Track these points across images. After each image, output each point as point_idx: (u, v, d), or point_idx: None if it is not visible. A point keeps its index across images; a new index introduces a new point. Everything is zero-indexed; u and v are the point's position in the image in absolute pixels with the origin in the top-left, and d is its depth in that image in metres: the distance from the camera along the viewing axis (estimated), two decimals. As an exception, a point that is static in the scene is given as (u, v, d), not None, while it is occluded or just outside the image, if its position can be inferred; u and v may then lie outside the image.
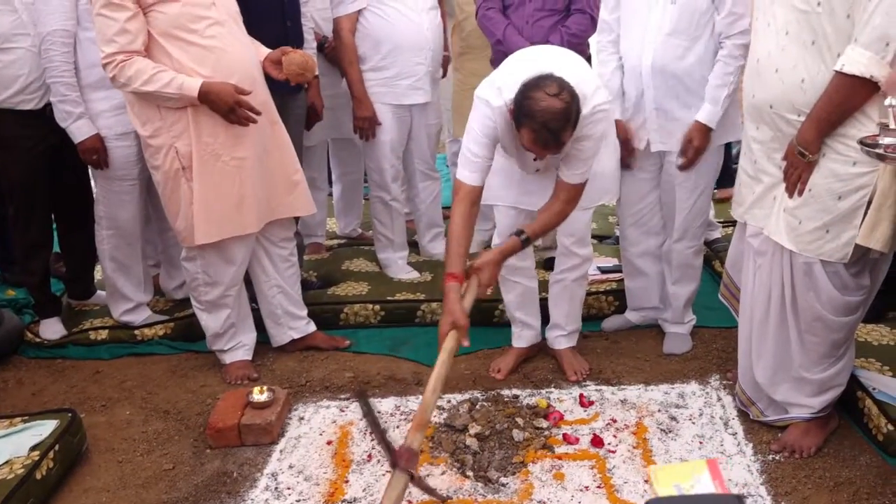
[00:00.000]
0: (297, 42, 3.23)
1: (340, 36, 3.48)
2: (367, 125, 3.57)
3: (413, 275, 3.77)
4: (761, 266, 2.40)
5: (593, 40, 3.05)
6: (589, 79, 2.51)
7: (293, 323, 3.19)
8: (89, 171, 3.37)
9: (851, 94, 2.06)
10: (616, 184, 2.93)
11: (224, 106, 2.64)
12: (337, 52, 3.55)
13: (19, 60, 3.10)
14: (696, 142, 2.78)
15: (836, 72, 2.05)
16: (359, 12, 3.45)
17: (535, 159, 2.59)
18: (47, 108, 3.19)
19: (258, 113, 2.70)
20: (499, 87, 2.48)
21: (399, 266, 3.81)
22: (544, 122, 2.29)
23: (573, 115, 2.33)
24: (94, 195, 3.40)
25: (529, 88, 2.32)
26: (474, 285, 2.56)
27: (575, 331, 3.06)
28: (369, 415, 2.40)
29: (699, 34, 2.70)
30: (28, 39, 3.09)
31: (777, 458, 2.44)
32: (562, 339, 3.04)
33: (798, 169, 2.21)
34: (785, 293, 2.35)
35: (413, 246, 4.02)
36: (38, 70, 3.11)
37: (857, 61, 2.01)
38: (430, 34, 3.53)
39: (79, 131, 3.07)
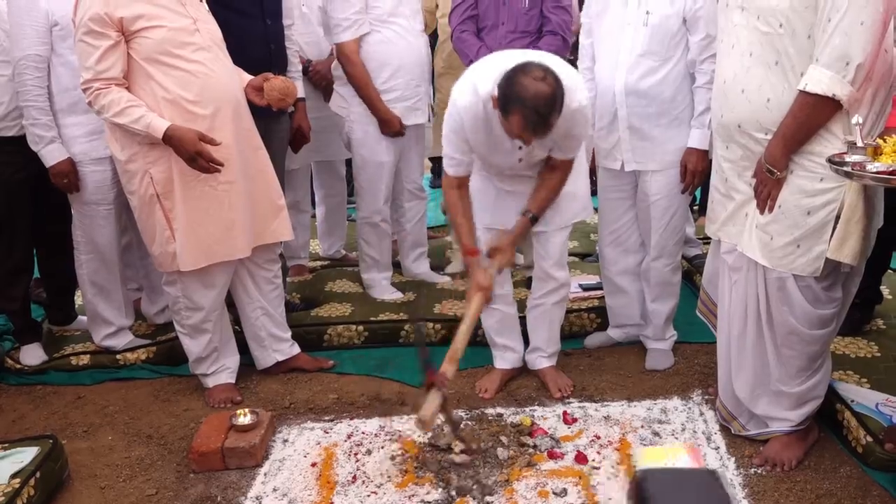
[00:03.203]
0: (281, 66, 3.25)
1: (350, 60, 3.40)
2: (395, 136, 3.57)
3: (396, 295, 3.77)
4: (737, 282, 2.44)
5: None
6: (571, 73, 2.54)
7: (277, 345, 3.19)
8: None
9: (815, 112, 2.11)
10: (589, 201, 2.97)
11: (185, 153, 2.64)
12: (348, 76, 3.46)
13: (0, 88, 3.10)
14: (692, 166, 2.84)
15: (800, 91, 2.10)
16: (362, 36, 3.40)
17: (520, 147, 2.60)
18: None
19: (220, 164, 2.69)
20: (473, 83, 2.52)
21: (383, 287, 3.81)
22: (535, 106, 2.31)
23: (559, 99, 2.37)
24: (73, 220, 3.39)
25: (515, 74, 2.35)
26: (496, 263, 2.71)
27: (555, 351, 3.08)
28: (419, 336, 2.71)
29: (671, 55, 2.76)
30: (9, 67, 3.08)
31: (759, 471, 2.46)
32: (543, 359, 3.06)
33: (767, 186, 2.25)
34: (760, 308, 2.38)
35: (396, 266, 4.03)
36: (18, 98, 3.11)
37: (820, 80, 2.05)
38: (425, 56, 3.57)
39: (49, 155, 3.06)
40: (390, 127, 3.51)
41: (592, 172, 3.09)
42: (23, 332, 3.42)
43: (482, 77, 2.50)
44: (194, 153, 2.64)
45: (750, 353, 2.46)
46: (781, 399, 2.45)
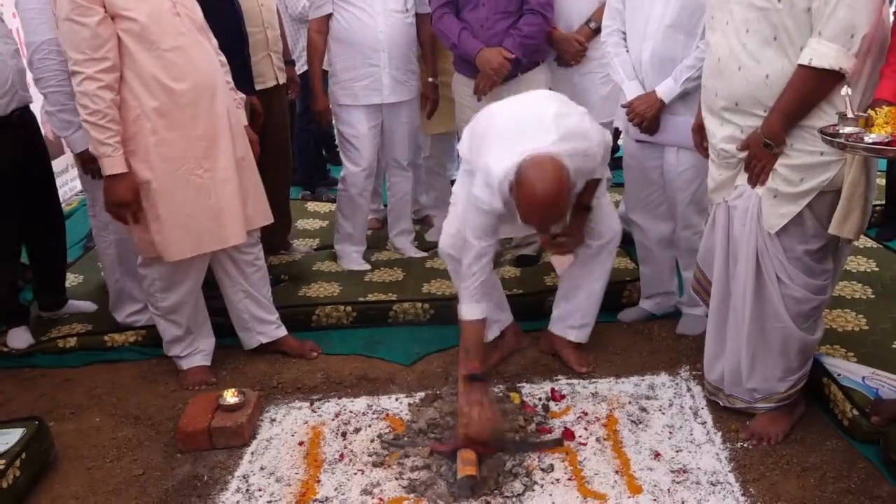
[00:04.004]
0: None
1: (310, 37, 3.70)
2: (320, 118, 3.88)
3: (365, 267, 3.87)
4: (738, 251, 2.41)
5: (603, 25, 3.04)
6: (574, 135, 2.46)
7: (261, 327, 3.17)
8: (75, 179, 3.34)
9: (818, 86, 2.09)
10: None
11: (114, 198, 2.65)
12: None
13: None
14: (642, 108, 2.84)
15: (802, 65, 2.08)
16: (328, 17, 3.60)
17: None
18: (13, 115, 3.16)
19: (137, 221, 2.71)
20: (487, 184, 2.45)
21: (353, 258, 3.93)
22: (542, 210, 2.33)
23: (567, 191, 2.36)
24: (91, 201, 3.37)
25: (521, 177, 2.32)
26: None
27: (587, 324, 3.04)
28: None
29: (697, 31, 2.71)
30: None
31: (745, 445, 2.47)
32: (572, 331, 3.03)
33: (762, 161, 2.24)
34: (758, 270, 2.36)
35: (383, 242, 4.12)
36: (2, 76, 3.08)
37: (825, 54, 2.03)
38: (385, 36, 3.56)
39: (79, 141, 3.04)
40: (313, 103, 3.81)
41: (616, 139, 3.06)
42: (10, 316, 3.40)
43: (493, 171, 2.41)
44: (124, 202, 2.65)
45: (747, 325, 2.43)
46: (769, 371, 2.45)
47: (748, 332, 2.43)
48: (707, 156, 2.69)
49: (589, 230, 2.88)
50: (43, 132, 3.54)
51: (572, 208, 2.70)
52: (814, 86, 2.09)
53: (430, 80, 3.81)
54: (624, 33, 2.92)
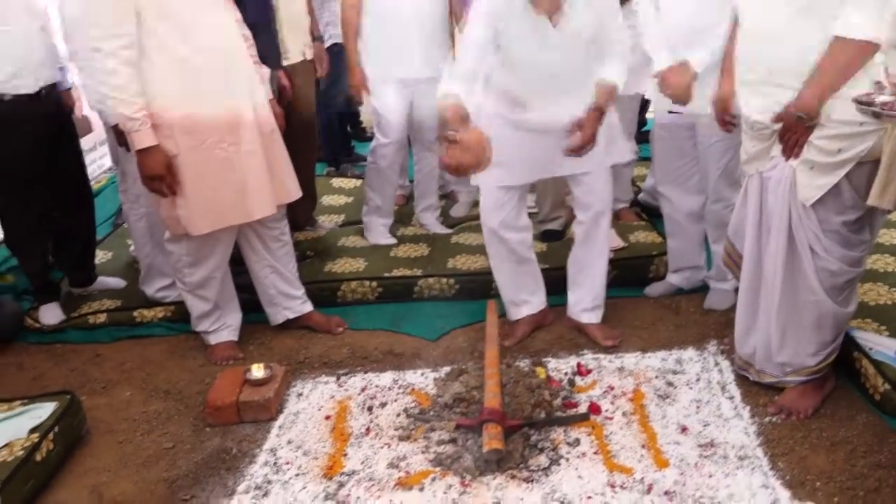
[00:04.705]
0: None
1: (342, 10, 3.69)
2: (356, 91, 3.80)
3: (391, 241, 3.89)
4: (770, 223, 2.37)
5: None
6: None
7: (287, 303, 3.19)
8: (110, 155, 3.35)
9: (854, 57, 2.05)
10: (626, 144, 2.97)
11: (149, 171, 2.66)
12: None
13: (9, 43, 3.07)
14: (674, 80, 2.81)
15: (836, 36, 2.03)
16: None
17: (553, 25, 2.56)
18: (42, 92, 3.19)
19: (174, 193, 2.71)
20: None
21: (380, 232, 3.94)
22: None
23: None
24: (122, 175, 3.40)
25: None
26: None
27: (600, 304, 3.05)
28: None
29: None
30: (17, 22, 3.07)
31: (774, 419, 2.44)
32: (587, 313, 3.04)
33: (797, 133, 2.19)
34: (790, 241, 2.33)
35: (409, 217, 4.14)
36: (30, 53, 3.11)
37: (858, 25, 1.99)
38: (413, 10, 3.53)
39: None
40: (351, 78, 3.76)
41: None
42: (41, 292, 3.45)
43: None
44: (157, 175, 2.65)
45: (778, 298, 2.40)
46: (801, 345, 2.42)
47: (779, 306, 2.40)
48: (728, 130, 2.65)
49: (577, 201, 2.90)
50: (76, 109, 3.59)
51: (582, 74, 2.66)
52: (848, 57, 2.05)
53: None
54: (656, 1, 2.87)
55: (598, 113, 2.68)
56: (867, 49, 2.02)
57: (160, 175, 2.67)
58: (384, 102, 3.72)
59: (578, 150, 2.71)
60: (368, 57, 3.68)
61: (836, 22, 2.04)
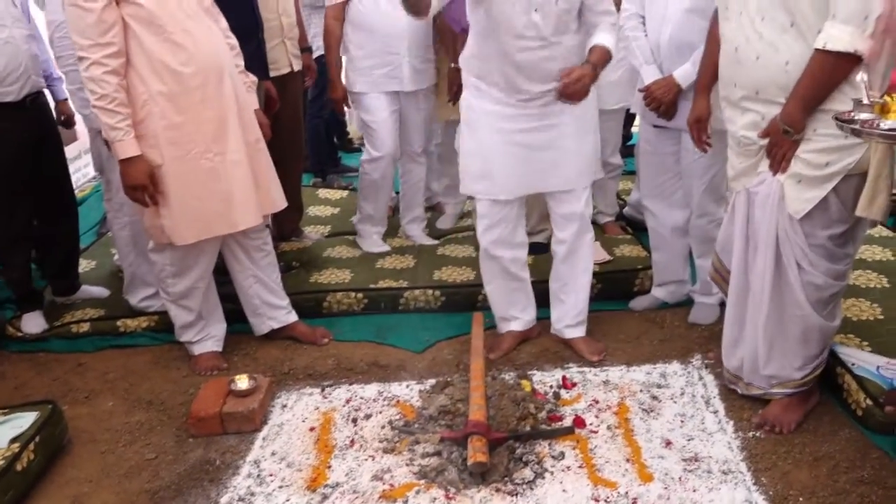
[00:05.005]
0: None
1: (326, 24, 3.68)
2: (338, 106, 3.87)
3: (385, 248, 3.91)
4: (757, 239, 2.39)
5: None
6: None
7: (272, 313, 3.18)
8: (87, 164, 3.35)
9: (835, 70, 2.07)
10: (598, 162, 2.93)
11: (131, 181, 2.65)
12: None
13: None
14: (660, 93, 2.81)
15: (818, 50, 2.05)
16: (346, 3, 3.59)
17: None
18: (27, 100, 3.18)
19: (155, 203, 2.71)
20: None
21: (373, 240, 3.96)
22: None
23: None
24: (107, 184, 3.38)
25: None
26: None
27: (583, 321, 3.05)
28: None
29: None
30: (4, 30, 3.07)
31: (757, 434, 2.45)
32: (570, 329, 3.04)
33: (783, 148, 2.22)
34: (777, 257, 2.34)
35: (395, 229, 4.14)
36: (15, 61, 3.10)
37: (840, 38, 2.01)
38: (405, 24, 3.54)
39: None
40: (333, 92, 3.78)
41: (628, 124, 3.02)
42: (24, 300, 3.43)
43: None
44: (139, 185, 2.65)
45: (765, 313, 2.41)
46: (787, 359, 2.44)
47: (766, 319, 2.41)
48: (704, 150, 2.69)
49: (558, 219, 2.92)
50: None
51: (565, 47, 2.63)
52: (831, 70, 2.07)
53: (453, 65, 3.78)
54: (643, 17, 2.90)
55: (591, 66, 2.60)
56: (848, 61, 2.04)
57: (142, 185, 2.66)
58: (375, 117, 3.71)
59: (568, 91, 2.55)
60: (357, 70, 3.68)
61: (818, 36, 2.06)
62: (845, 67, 2.06)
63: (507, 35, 2.59)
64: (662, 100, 2.82)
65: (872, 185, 2.08)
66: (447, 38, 3.77)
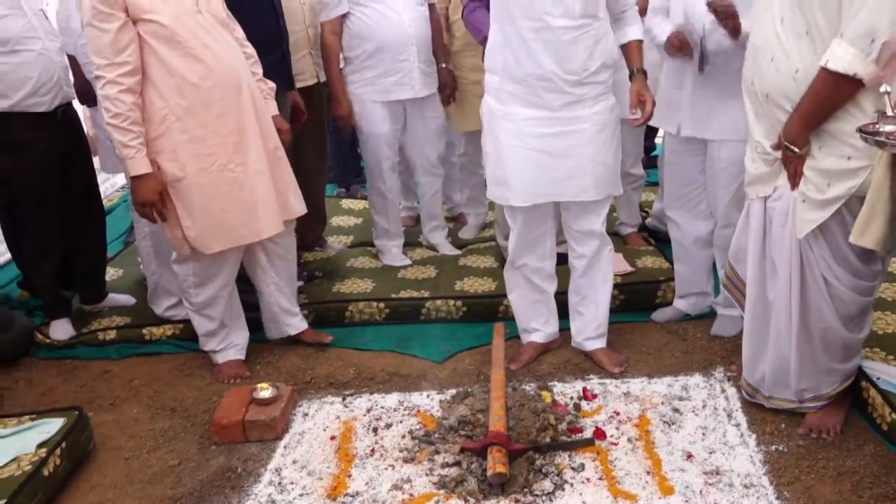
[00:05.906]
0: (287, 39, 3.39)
1: (324, 38, 3.63)
2: (343, 123, 3.77)
3: (406, 262, 3.91)
4: (776, 253, 2.37)
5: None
6: None
7: (289, 319, 3.22)
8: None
9: (835, 90, 2.04)
10: (618, 175, 2.91)
11: (141, 197, 2.70)
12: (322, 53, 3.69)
13: (29, 63, 3.13)
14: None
15: (821, 67, 2.03)
16: (343, 17, 3.59)
17: None
18: (58, 111, 3.25)
19: (164, 219, 2.76)
20: None
21: (394, 254, 3.96)
22: None
23: None
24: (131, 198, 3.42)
25: None
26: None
27: (604, 333, 3.05)
28: None
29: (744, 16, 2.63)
30: (38, 43, 3.15)
31: (780, 448, 2.43)
32: (591, 341, 3.03)
33: (792, 163, 2.21)
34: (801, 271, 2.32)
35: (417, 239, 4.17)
36: (48, 73, 3.17)
37: (842, 58, 1.98)
38: (413, 30, 3.57)
39: None
40: (338, 108, 3.71)
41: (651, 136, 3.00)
42: (52, 308, 3.48)
43: None
44: (148, 202, 2.70)
45: (794, 326, 2.38)
46: (818, 372, 2.43)
47: (795, 336, 2.39)
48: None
49: (576, 233, 2.90)
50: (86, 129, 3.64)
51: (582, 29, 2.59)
52: (831, 89, 2.04)
53: (444, 66, 3.80)
54: (667, 10, 2.90)
55: (642, 74, 2.71)
56: (848, 83, 2.01)
57: (152, 202, 2.71)
58: (374, 128, 3.70)
59: (647, 119, 2.74)
60: (359, 80, 3.66)
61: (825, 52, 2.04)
62: (845, 89, 2.03)
63: (537, 11, 2.55)
64: (728, 8, 2.59)
65: (868, 211, 2.03)
66: (438, 38, 3.77)
